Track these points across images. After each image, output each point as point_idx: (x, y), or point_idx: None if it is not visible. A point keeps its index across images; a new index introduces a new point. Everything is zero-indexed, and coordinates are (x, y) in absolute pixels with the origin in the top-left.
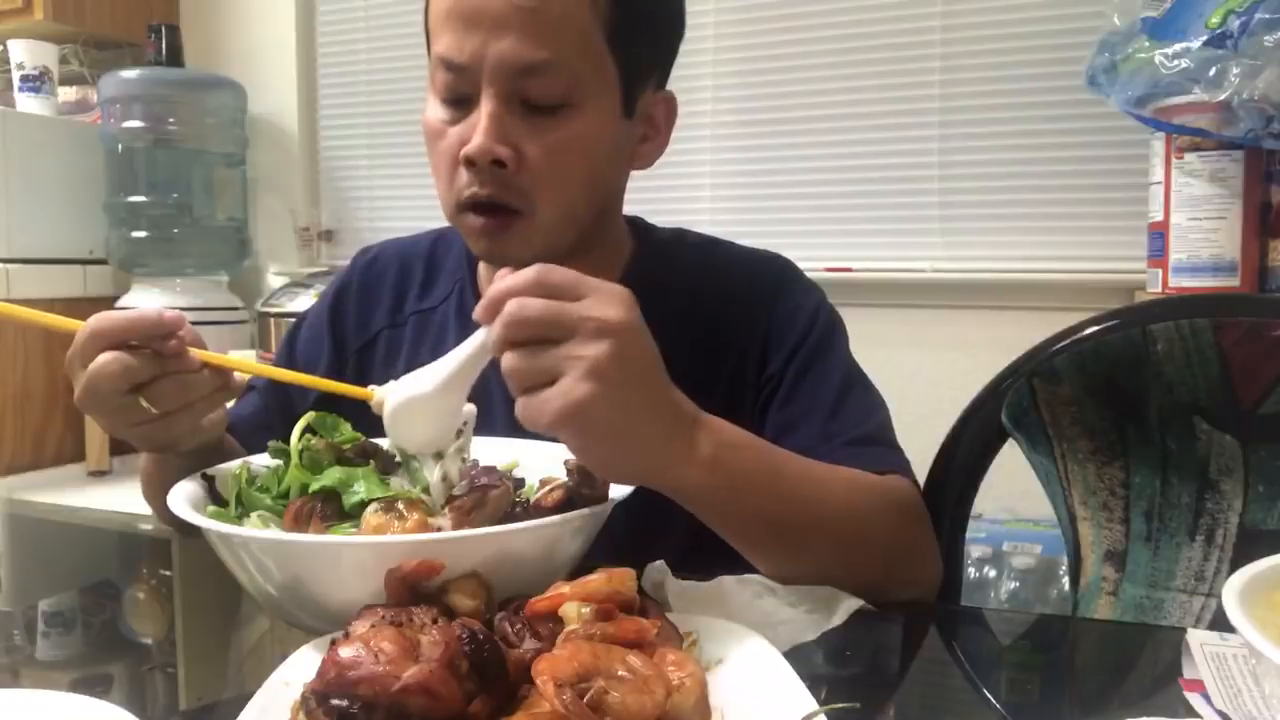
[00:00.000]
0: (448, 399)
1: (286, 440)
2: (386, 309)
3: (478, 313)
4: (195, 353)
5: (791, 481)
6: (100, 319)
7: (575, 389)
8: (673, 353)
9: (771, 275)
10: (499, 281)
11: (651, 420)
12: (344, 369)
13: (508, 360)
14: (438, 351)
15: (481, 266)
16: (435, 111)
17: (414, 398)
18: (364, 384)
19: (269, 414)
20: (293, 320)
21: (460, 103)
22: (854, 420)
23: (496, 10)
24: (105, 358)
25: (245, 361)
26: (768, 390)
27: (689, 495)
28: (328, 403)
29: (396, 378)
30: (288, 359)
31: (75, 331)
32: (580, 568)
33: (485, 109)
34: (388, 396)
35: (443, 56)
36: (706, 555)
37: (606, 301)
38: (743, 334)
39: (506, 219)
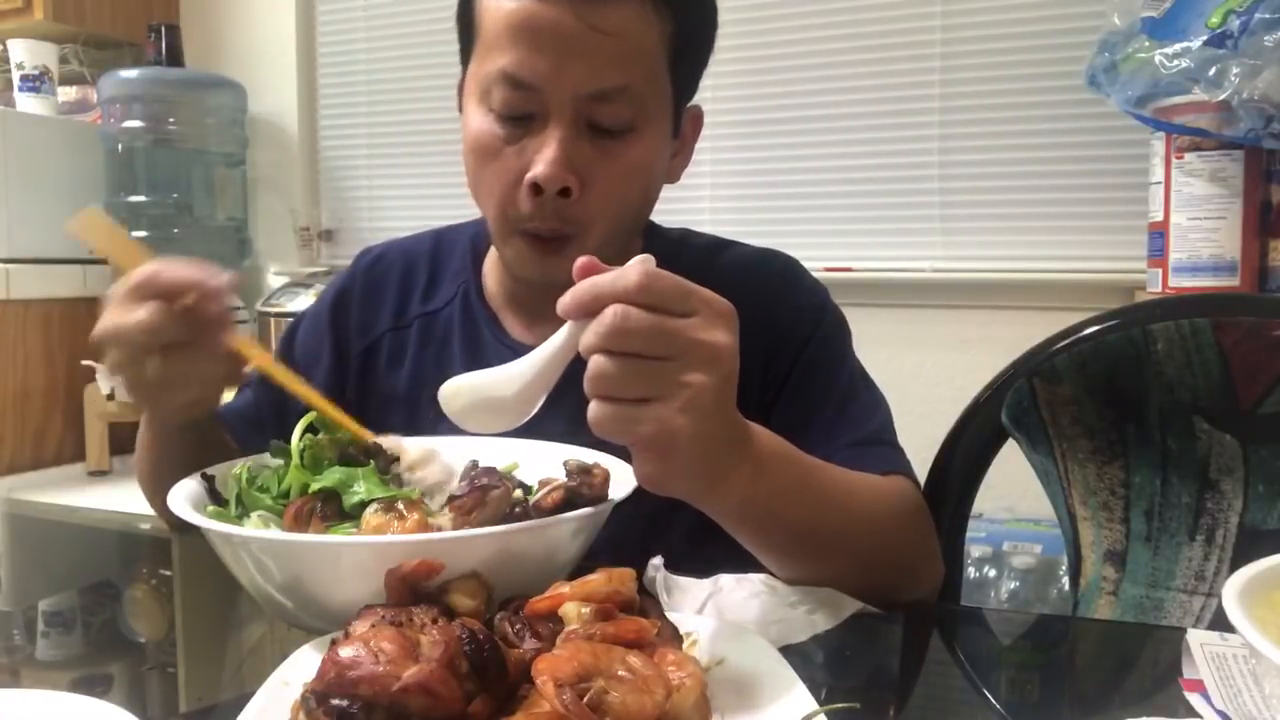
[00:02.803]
0: (528, 403)
1: (283, 439)
2: (390, 311)
3: (565, 308)
4: (230, 337)
5: (820, 492)
6: (164, 267)
7: (674, 419)
8: None
9: (776, 274)
10: (592, 278)
11: (720, 446)
12: (347, 372)
13: (599, 364)
14: (443, 355)
15: (487, 266)
16: (487, 125)
17: (491, 399)
18: (368, 386)
19: (260, 410)
20: (292, 319)
21: (520, 120)
22: (857, 421)
23: (572, 32)
24: (151, 308)
25: (273, 365)
26: (773, 390)
27: (727, 510)
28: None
29: (402, 382)
30: (285, 357)
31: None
32: (580, 568)
33: (555, 134)
34: (454, 395)
35: (509, 74)
36: (710, 553)
37: (715, 323)
38: (748, 333)
39: (560, 244)
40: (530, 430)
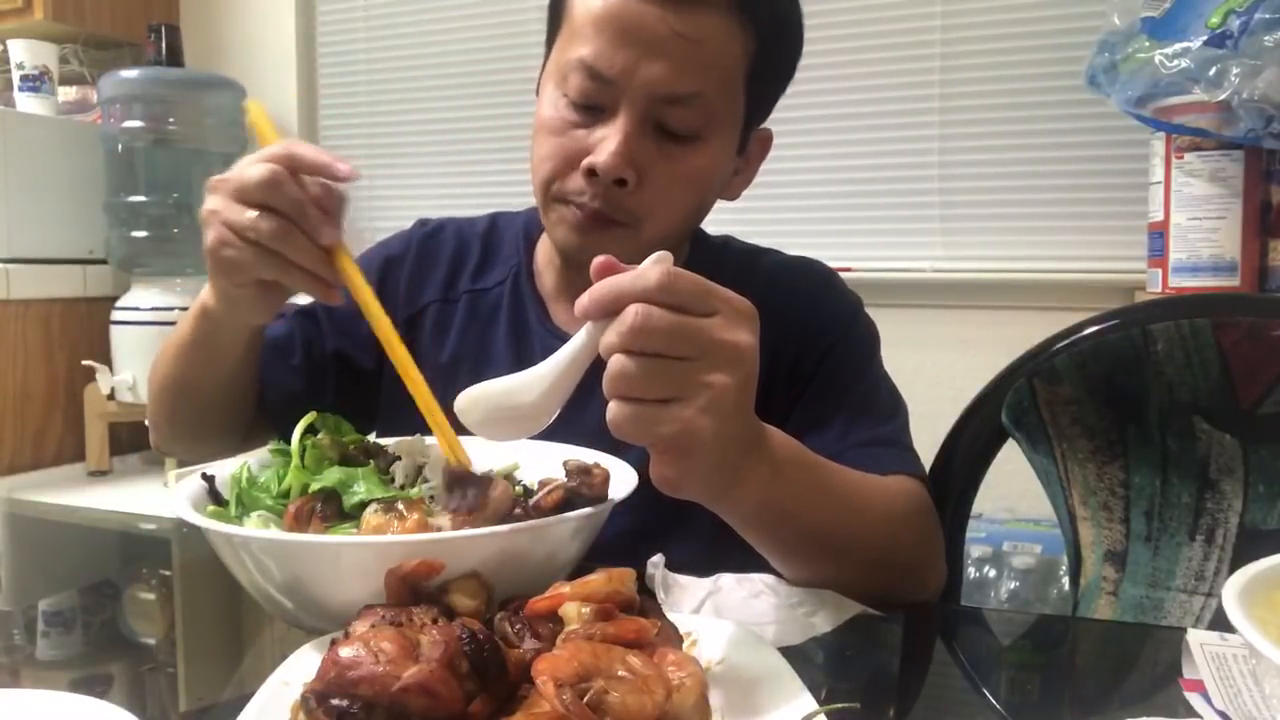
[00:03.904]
0: (549, 409)
1: (307, 376)
2: (439, 283)
3: (583, 309)
4: (336, 231)
5: (834, 494)
6: (298, 145)
7: (697, 419)
8: None
9: (812, 280)
10: (611, 278)
11: (738, 449)
12: (392, 318)
13: (620, 364)
14: (488, 333)
15: (539, 253)
16: (559, 109)
17: (512, 406)
18: (410, 354)
19: (292, 340)
20: None
21: (591, 109)
22: (873, 422)
23: (656, 32)
24: (275, 169)
25: (377, 314)
26: (797, 388)
27: (744, 513)
28: (348, 367)
29: (445, 354)
30: (325, 307)
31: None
32: (580, 568)
33: (621, 127)
34: (472, 405)
35: (588, 64)
36: (724, 552)
37: (737, 322)
38: (779, 334)
39: (606, 225)
40: (551, 437)
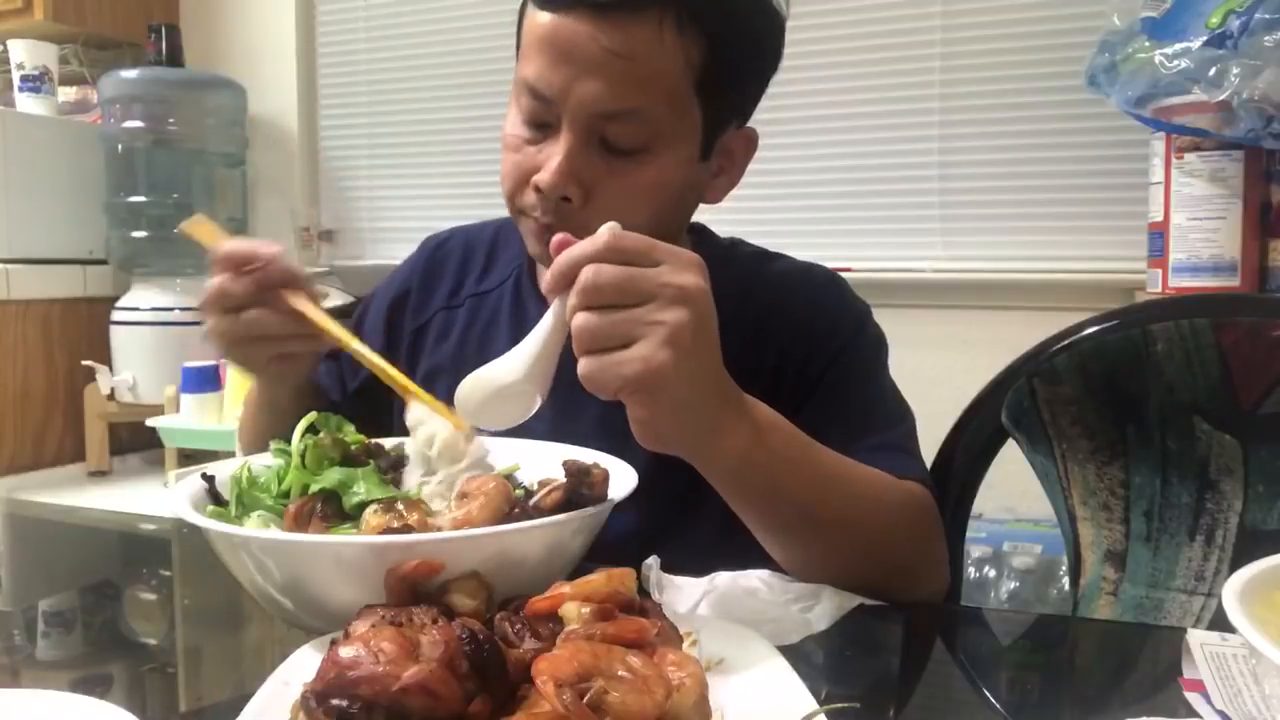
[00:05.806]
0: (539, 384)
1: (345, 409)
2: (445, 292)
3: (548, 287)
4: (295, 302)
5: (825, 468)
6: (229, 245)
7: (656, 355)
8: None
9: (820, 286)
10: (567, 250)
11: (711, 391)
12: (397, 350)
13: (581, 319)
14: (489, 333)
15: None
16: (515, 127)
17: (504, 388)
18: (414, 362)
19: (328, 379)
20: (363, 301)
21: (541, 127)
22: (879, 428)
23: (588, 51)
24: (221, 276)
25: (334, 328)
26: (804, 391)
27: (728, 470)
28: (368, 393)
29: (447, 356)
30: (336, 350)
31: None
32: (580, 568)
33: (563, 145)
34: (468, 395)
35: (530, 84)
36: (725, 552)
37: (681, 268)
38: (786, 338)
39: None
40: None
